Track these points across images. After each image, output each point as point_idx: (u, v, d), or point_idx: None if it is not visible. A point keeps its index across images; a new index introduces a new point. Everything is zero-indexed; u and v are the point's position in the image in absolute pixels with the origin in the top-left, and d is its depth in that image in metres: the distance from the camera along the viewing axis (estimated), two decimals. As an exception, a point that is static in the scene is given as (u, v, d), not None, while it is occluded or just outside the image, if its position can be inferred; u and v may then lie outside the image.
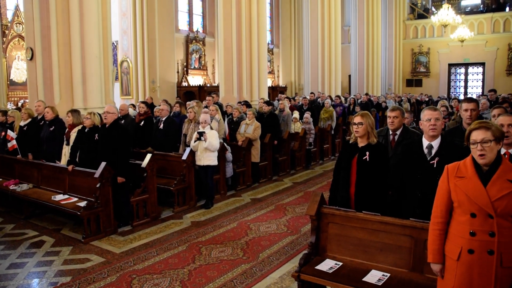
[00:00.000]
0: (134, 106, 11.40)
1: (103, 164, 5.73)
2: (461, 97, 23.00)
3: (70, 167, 6.24)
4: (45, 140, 7.01)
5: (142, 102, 8.79)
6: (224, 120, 8.77)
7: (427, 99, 20.02)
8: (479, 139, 2.48)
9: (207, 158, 6.94)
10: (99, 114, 6.44)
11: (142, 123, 8.28)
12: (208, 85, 18.92)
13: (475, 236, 2.45)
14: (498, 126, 2.56)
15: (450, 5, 18.96)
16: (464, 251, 2.49)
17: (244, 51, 12.60)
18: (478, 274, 2.45)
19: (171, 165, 7.39)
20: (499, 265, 2.41)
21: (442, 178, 2.65)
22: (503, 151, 3.28)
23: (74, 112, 6.95)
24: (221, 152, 7.57)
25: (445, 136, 3.59)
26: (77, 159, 6.36)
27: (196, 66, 19.20)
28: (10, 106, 13.71)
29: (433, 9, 24.97)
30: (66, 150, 6.71)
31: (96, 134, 6.18)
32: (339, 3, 17.82)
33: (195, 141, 6.90)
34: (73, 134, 6.56)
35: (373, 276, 3.39)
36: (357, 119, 3.84)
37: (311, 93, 15.09)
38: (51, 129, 6.98)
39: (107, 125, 6.08)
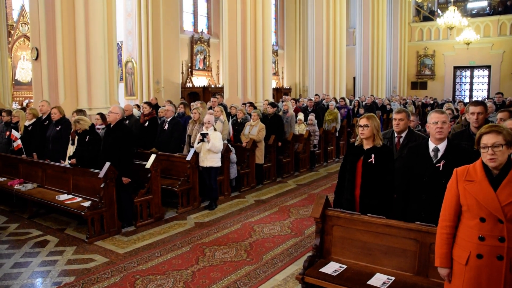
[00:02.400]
0: (138, 106, 11.42)
1: (107, 164, 5.73)
2: (466, 100, 22.93)
3: (73, 160, 6.26)
4: (51, 139, 7.02)
5: (146, 103, 8.80)
6: (228, 121, 8.76)
7: (432, 102, 19.97)
8: (490, 143, 2.44)
9: (210, 159, 6.94)
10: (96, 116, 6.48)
11: (147, 123, 8.29)
12: (213, 86, 18.95)
13: (484, 241, 2.42)
14: (510, 130, 2.52)
15: (456, 8, 18.89)
16: (472, 256, 2.46)
17: (249, 52, 12.59)
18: (487, 280, 2.43)
19: (175, 166, 7.39)
20: (508, 270, 2.38)
21: (451, 181, 2.62)
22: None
23: (80, 112, 6.98)
24: (225, 153, 7.56)
25: (451, 139, 3.56)
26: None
27: (201, 67, 19.23)
28: (15, 105, 13.78)
29: (439, 11, 24.91)
30: (71, 150, 6.72)
31: (88, 136, 6.21)
32: (344, 5, 17.79)
33: (198, 143, 6.90)
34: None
35: (378, 280, 3.37)
36: (363, 121, 3.82)
37: (316, 95, 15.06)
38: (58, 128, 7.00)
39: (111, 125, 6.09)
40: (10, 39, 14.77)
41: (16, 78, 15.11)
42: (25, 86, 15.28)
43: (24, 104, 14.20)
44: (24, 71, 15.29)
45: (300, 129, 10.34)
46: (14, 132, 7.54)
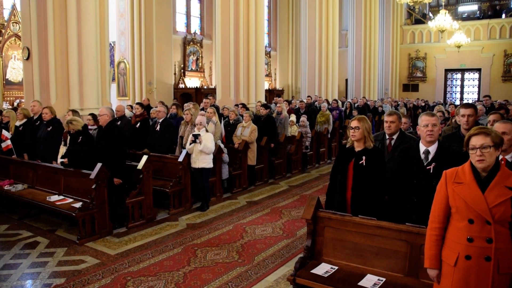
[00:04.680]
0: (131, 107, 11.38)
1: (98, 165, 5.70)
2: (457, 102, 23.13)
3: (65, 160, 6.23)
4: (42, 140, 6.98)
5: (138, 104, 8.76)
6: (220, 122, 8.76)
7: (423, 104, 20.10)
8: (478, 144, 2.48)
9: (202, 160, 6.93)
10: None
11: (138, 124, 8.26)
12: (205, 87, 18.92)
13: (473, 242, 2.46)
14: (498, 132, 2.57)
15: (447, 11, 19.07)
16: (461, 257, 2.49)
17: (242, 54, 12.60)
18: (475, 281, 2.46)
19: (167, 167, 7.37)
20: (496, 271, 2.42)
21: (440, 183, 2.65)
22: (500, 157, 3.29)
23: (74, 112, 6.96)
24: (218, 154, 7.56)
25: (442, 142, 3.59)
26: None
27: (193, 68, 19.20)
28: (5, 106, 13.66)
29: (430, 14, 25.10)
30: (63, 151, 6.68)
31: (80, 137, 6.19)
32: (337, 7, 17.86)
33: (190, 144, 6.89)
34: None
35: (369, 281, 3.39)
36: (354, 123, 3.84)
37: (308, 96, 15.10)
38: (49, 129, 6.95)
39: (102, 126, 6.06)
40: (1, 38, 14.64)
41: (6, 77, 14.97)
42: (16, 86, 15.15)
43: (15, 104, 14.08)
44: (15, 70, 15.15)
45: (292, 130, 10.36)
46: (4, 132, 7.49)
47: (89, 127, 6.89)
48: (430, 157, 3.41)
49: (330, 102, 14.10)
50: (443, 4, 21.51)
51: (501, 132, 3.25)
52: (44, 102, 8.15)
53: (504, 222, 2.42)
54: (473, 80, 24.93)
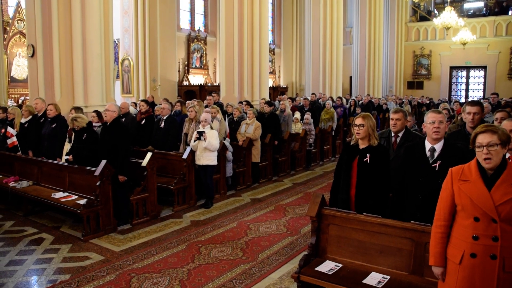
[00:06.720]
0: (135, 104, 11.39)
1: (103, 162, 5.72)
2: (462, 100, 23.01)
3: (70, 157, 6.25)
4: (46, 137, 7.00)
5: (143, 101, 8.78)
6: (224, 120, 8.75)
7: (428, 101, 20.03)
8: (485, 142, 2.45)
9: (207, 157, 6.93)
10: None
11: (143, 121, 8.27)
12: (209, 84, 18.93)
13: (478, 240, 2.44)
14: (505, 130, 2.53)
15: (452, 8, 18.94)
16: (466, 255, 2.47)
17: (246, 51, 12.59)
18: (480, 279, 2.44)
19: (171, 164, 7.38)
20: (501, 270, 2.40)
21: (446, 181, 2.63)
22: (507, 155, 3.26)
23: (78, 109, 6.97)
24: (222, 151, 7.56)
25: (447, 139, 3.57)
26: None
27: (197, 65, 19.21)
28: (10, 103, 13.71)
29: (436, 11, 24.99)
30: (67, 148, 6.71)
31: (85, 134, 6.21)
32: (341, 4, 17.80)
33: (194, 141, 6.89)
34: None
35: (373, 279, 3.38)
36: (358, 120, 3.82)
37: (312, 94, 15.08)
38: (53, 126, 6.97)
39: (107, 123, 6.08)
40: (5, 35, 14.69)
41: (11, 75, 15.03)
42: (20, 83, 15.22)
43: (20, 101, 14.14)
44: (20, 68, 15.22)
45: (297, 128, 10.35)
46: (9, 129, 7.52)
47: (94, 124, 6.90)
48: (436, 154, 3.39)
49: (334, 100, 14.07)
50: (448, 1, 21.37)
51: (509, 130, 3.23)
52: (48, 99, 8.18)
53: (510, 220, 2.40)
54: (479, 78, 24.80)
